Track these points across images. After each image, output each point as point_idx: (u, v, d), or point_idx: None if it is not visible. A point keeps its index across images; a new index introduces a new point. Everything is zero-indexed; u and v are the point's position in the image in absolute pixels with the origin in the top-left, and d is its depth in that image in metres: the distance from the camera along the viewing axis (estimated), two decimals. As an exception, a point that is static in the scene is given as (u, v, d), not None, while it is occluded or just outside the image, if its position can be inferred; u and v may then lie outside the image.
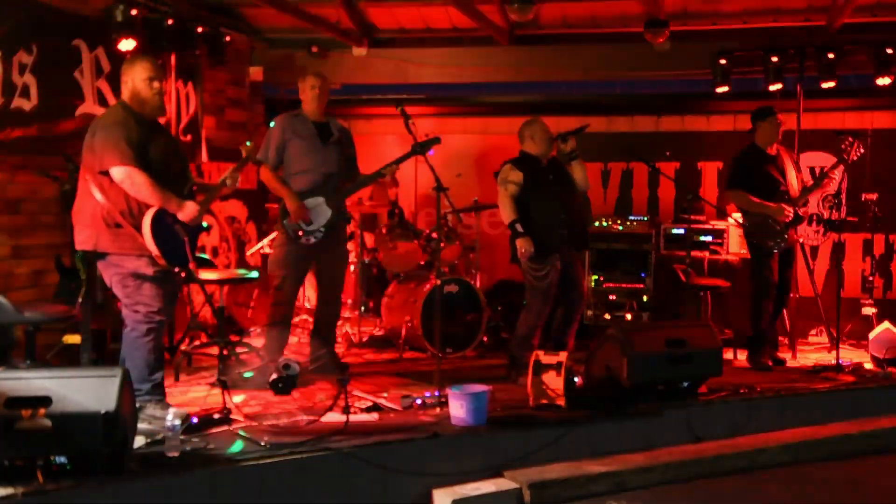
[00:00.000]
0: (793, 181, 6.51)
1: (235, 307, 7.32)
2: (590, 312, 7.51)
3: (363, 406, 4.97)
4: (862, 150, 6.43)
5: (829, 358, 6.49)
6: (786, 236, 6.36)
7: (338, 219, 5.74)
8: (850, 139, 6.38)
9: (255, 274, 6.18)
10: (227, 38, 7.52)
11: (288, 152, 5.66)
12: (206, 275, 5.91)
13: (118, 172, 4.41)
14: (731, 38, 7.94)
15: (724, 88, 7.75)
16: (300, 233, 5.55)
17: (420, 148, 5.49)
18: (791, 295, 6.83)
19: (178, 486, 3.77)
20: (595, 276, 7.57)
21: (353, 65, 8.69)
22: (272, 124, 5.82)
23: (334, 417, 4.53)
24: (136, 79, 4.61)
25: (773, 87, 7.48)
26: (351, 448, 4.17)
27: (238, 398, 4.48)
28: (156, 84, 4.62)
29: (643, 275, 7.50)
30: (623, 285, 7.53)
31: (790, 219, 6.35)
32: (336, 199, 5.70)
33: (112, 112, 4.66)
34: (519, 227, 5.78)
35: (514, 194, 5.83)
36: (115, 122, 4.51)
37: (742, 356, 6.55)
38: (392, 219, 7.62)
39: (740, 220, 6.52)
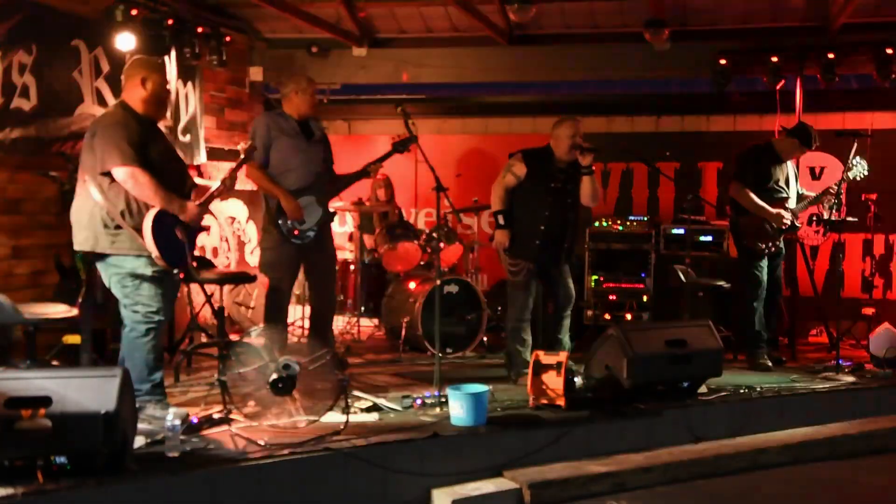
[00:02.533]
0: (793, 185, 6.51)
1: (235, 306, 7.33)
2: (590, 312, 7.51)
3: (363, 406, 4.97)
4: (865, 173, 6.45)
5: (829, 358, 6.48)
6: (777, 242, 6.37)
7: (326, 217, 5.76)
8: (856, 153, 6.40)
9: (254, 274, 6.18)
10: (227, 38, 7.52)
11: (275, 151, 5.64)
12: (205, 275, 5.90)
13: (120, 173, 4.41)
14: (731, 38, 7.94)
15: (725, 88, 7.74)
16: (296, 231, 5.55)
17: (399, 147, 5.67)
18: (784, 294, 6.82)
19: (178, 486, 3.77)
20: (595, 276, 7.56)
21: (353, 65, 8.69)
22: (254, 122, 5.81)
23: (334, 417, 4.53)
24: (160, 83, 4.66)
25: (773, 87, 7.47)
26: (351, 448, 4.18)
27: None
28: (169, 88, 4.76)
29: (643, 275, 7.49)
30: (623, 285, 7.52)
31: (787, 226, 6.35)
32: (325, 197, 5.73)
33: (112, 112, 4.67)
34: (500, 220, 5.79)
35: (510, 186, 5.82)
36: (115, 123, 4.52)
37: (742, 356, 6.55)
38: (389, 219, 7.62)
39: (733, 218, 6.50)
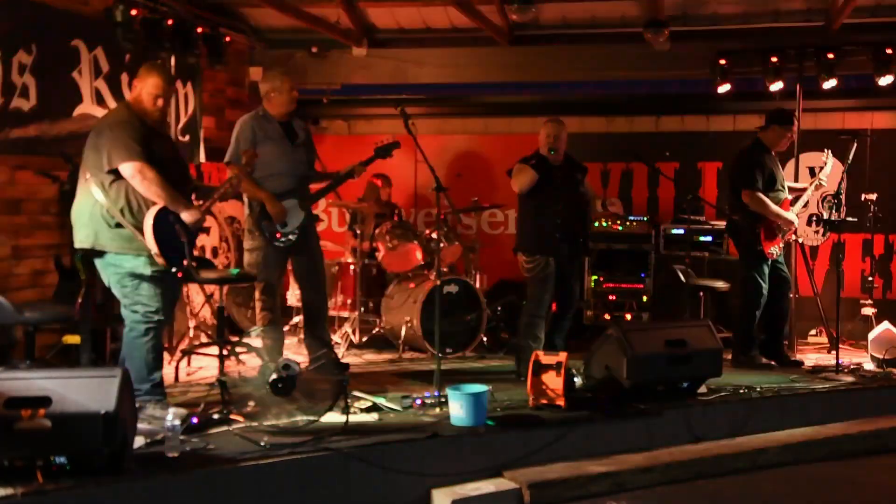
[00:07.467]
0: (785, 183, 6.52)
1: (235, 307, 7.32)
2: (590, 312, 7.51)
3: (363, 406, 4.97)
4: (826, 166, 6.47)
5: (829, 358, 6.48)
6: (782, 244, 6.37)
7: (309, 220, 5.77)
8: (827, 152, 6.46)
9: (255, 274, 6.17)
10: (227, 39, 7.51)
11: (259, 155, 5.59)
12: (205, 275, 5.90)
13: (128, 169, 4.43)
14: (731, 38, 7.94)
15: (725, 88, 7.74)
16: (278, 234, 5.56)
17: (382, 151, 5.81)
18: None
19: (178, 486, 3.77)
20: (595, 276, 7.56)
21: (353, 65, 8.69)
22: (238, 125, 5.75)
23: (334, 417, 4.53)
24: (144, 91, 4.68)
25: (773, 87, 7.47)
26: (351, 448, 4.17)
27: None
28: (160, 101, 4.70)
29: (643, 275, 7.49)
30: (623, 285, 7.52)
31: (797, 226, 6.35)
32: (308, 201, 5.74)
33: (117, 112, 4.71)
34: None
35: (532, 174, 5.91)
36: (121, 122, 4.56)
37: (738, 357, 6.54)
38: (390, 220, 7.62)
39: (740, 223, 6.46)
